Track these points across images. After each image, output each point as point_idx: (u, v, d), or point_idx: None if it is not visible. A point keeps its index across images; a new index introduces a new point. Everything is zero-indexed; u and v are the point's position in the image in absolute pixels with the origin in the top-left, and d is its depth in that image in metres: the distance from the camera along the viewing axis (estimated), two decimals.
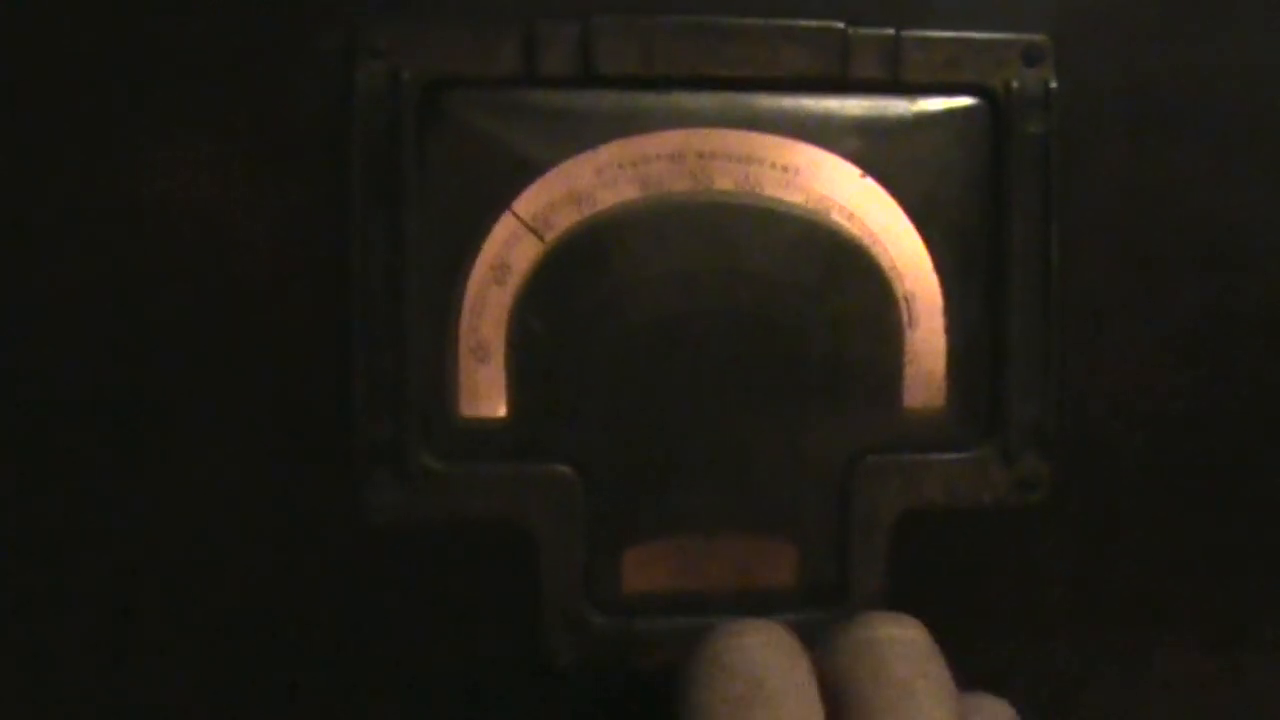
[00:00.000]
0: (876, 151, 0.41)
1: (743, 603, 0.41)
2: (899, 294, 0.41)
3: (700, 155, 0.40)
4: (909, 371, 0.41)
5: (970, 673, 0.35)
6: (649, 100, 0.40)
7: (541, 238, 0.40)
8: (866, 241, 0.41)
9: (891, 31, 0.40)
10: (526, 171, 0.40)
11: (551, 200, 0.40)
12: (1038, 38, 0.41)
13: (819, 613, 0.41)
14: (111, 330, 0.39)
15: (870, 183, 0.41)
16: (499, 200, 0.40)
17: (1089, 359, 0.42)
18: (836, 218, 0.41)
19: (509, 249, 0.40)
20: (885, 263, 0.41)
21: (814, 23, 0.40)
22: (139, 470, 0.40)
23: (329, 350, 0.40)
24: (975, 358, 0.42)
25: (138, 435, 0.40)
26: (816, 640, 0.35)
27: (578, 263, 0.40)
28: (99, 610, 0.40)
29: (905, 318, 0.41)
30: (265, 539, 0.40)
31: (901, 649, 0.34)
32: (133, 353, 0.39)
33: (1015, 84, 0.41)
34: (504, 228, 0.40)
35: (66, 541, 0.40)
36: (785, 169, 0.41)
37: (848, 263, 0.41)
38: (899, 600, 0.41)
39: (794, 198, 0.41)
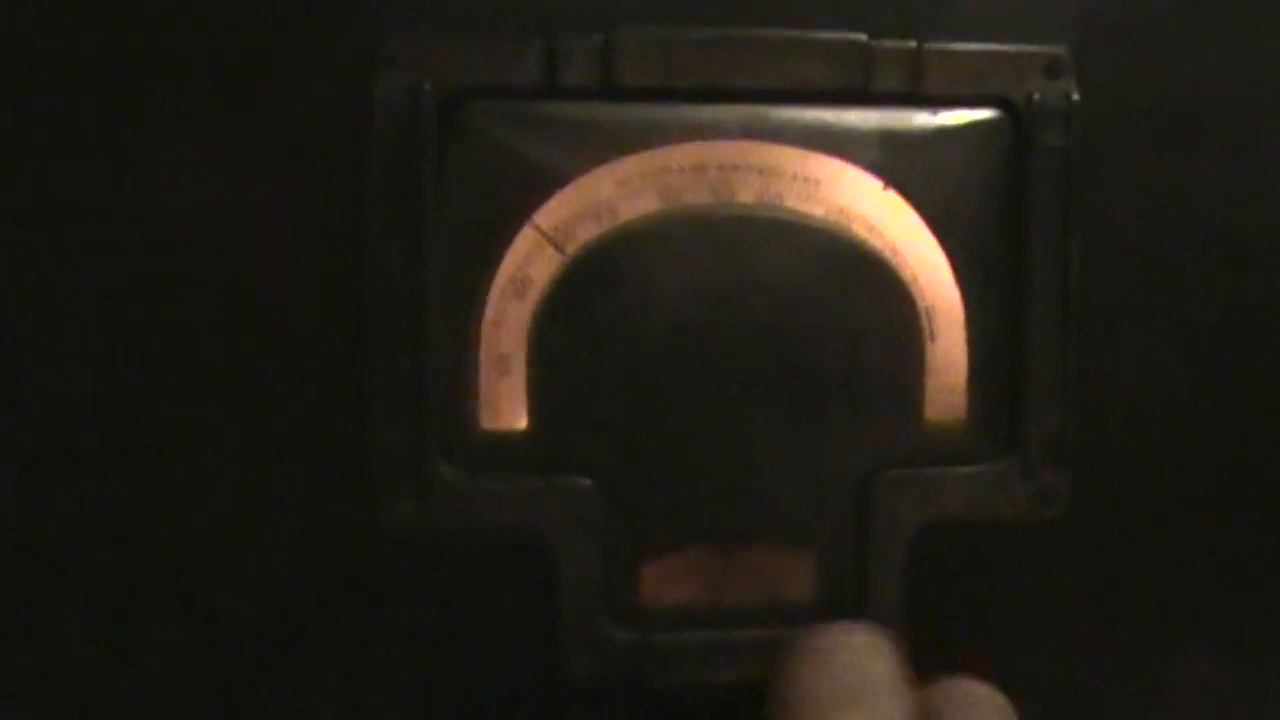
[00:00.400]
0: (898, 164, 0.41)
1: (762, 616, 0.41)
2: (920, 306, 0.41)
3: (721, 168, 0.40)
4: (930, 384, 0.41)
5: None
6: (670, 112, 0.40)
7: (562, 250, 0.40)
8: (887, 254, 0.41)
9: (914, 44, 0.40)
10: (547, 184, 0.40)
11: (572, 213, 0.40)
12: (1059, 50, 0.41)
13: None
14: (129, 337, 0.39)
15: (892, 195, 0.41)
16: (519, 213, 0.40)
17: (1109, 372, 0.42)
18: (858, 230, 0.41)
19: (529, 262, 0.40)
20: (906, 275, 0.41)
21: (836, 35, 0.40)
22: (153, 478, 0.40)
23: (348, 361, 0.39)
24: (995, 371, 0.41)
25: (152, 443, 0.40)
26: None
27: (598, 276, 0.40)
28: (113, 617, 0.40)
29: (926, 330, 0.41)
30: (282, 549, 0.40)
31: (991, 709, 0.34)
32: (148, 360, 0.39)
33: (1037, 96, 0.41)
34: (524, 240, 0.40)
35: (81, 549, 0.40)
36: (806, 181, 0.40)
37: (869, 275, 0.41)
38: (918, 614, 0.41)
39: (815, 210, 0.40)
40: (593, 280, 0.40)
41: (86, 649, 0.40)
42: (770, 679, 0.34)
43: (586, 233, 0.40)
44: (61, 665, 0.40)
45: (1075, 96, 0.41)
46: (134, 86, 0.39)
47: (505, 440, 0.40)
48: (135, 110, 0.39)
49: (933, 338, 0.41)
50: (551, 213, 0.40)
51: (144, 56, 0.39)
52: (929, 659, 0.36)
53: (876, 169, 0.40)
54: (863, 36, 0.40)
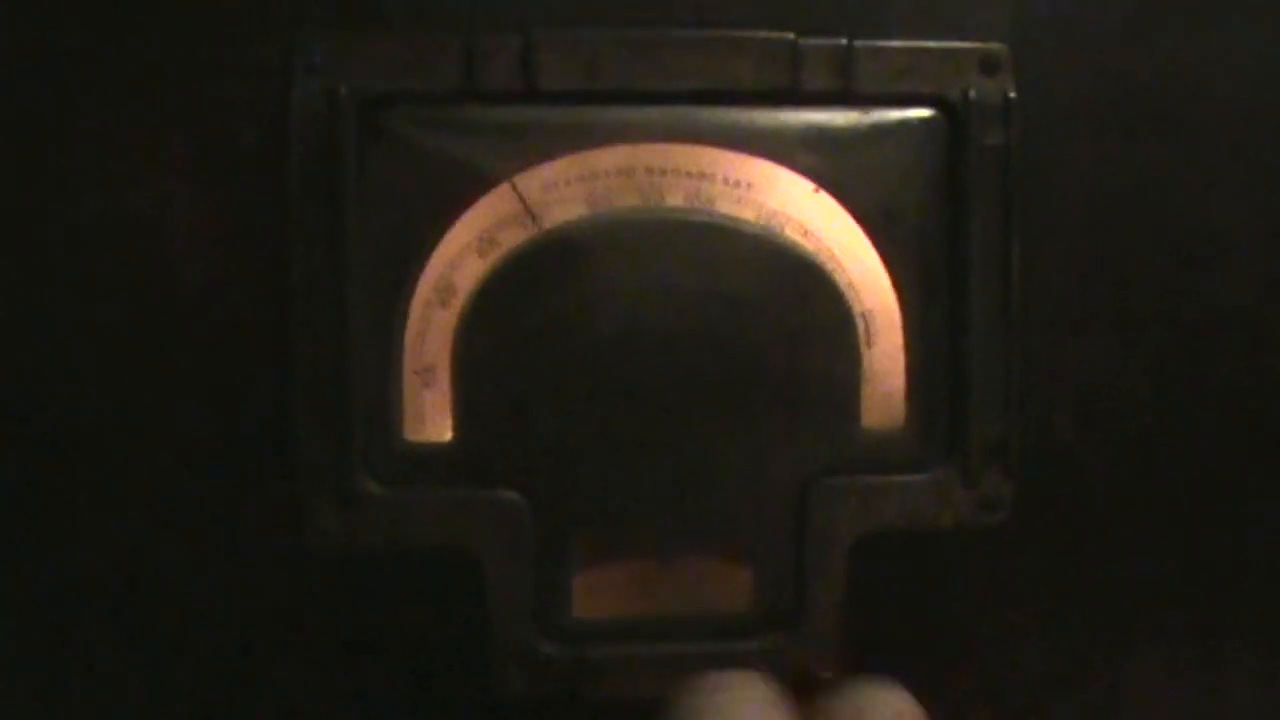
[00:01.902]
0: (830, 165, 0.40)
1: (697, 628, 0.40)
2: (856, 311, 0.40)
3: (649, 171, 0.39)
4: (867, 391, 0.40)
5: (933, 699, 0.34)
6: (595, 114, 0.39)
7: (486, 257, 0.39)
8: (822, 258, 0.40)
9: (843, 41, 0.39)
10: (469, 189, 0.39)
11: (496, 219, 0.39)
12: (995, 46, 0.40)
13: (775, 637, 0.40)
14: (44, 349, 0.39)
15: (824, 197, 0.40)
16: (441, 219, 0.39)
17: (1053, 374, 0.41)
18: (791, 234, 0.40)
19: (453, 269, 0.39)
20: (842, 280, 0.40)
21: (763, 34, 0.39)
22: (70, 491, 0.39)
23: (268, 372, 0.39)
24: (935, 375, 0.41)
25: (69, 455, 0.39)
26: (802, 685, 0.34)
27: (524, 282, 0.39)
28: (32, 634, 0.39)
29: (863, 336, 0.40)
30: (203, 564, 0.39)
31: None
32: (65, 373, 0.39)
33: (973, 94, 0.40)
34: (447, 247, 0.39)
35: (3, 568, 0.39)
36: (737, 184, 0.40)
37: (803, 280, 0.40)
38: (857, 625, 0.40)
39: (746, 214, 0.40)
40: (519, 287, 0.39)
41: (10, 662, 0.39)
42: None
43: (512, 239, 0.39)
44: None
45: (1012, 93, 0.40)
46: (47, 97, 0.38)
47: (430, 452, 0.39)
48: (50, 122, 0.38)
49: (870, 343, 0.40)
50: (475, 219, 0.39)
51: (56, 62, 0.38)
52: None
53: (808, 171, 0.40)
54: (790, 35, 0.39)
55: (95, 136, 0.38)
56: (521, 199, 0.38)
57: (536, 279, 0.39)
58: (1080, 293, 0.41)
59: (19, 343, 0.39)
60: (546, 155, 0.39)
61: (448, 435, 0.39)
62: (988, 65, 0.40)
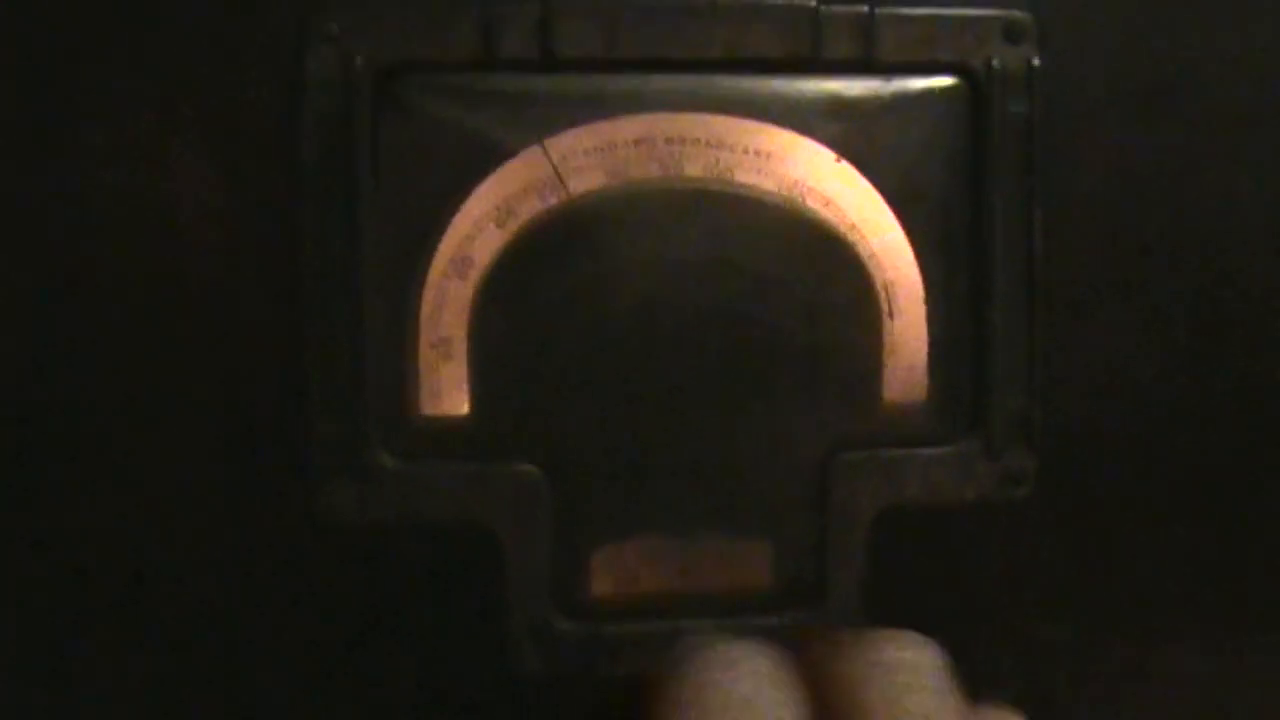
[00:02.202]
0: (852, 135, 0.39)
1: (717, 605, 0.40)
2: (878, 283, 0.40)
3: (668, 140, 0.39)
4: (889, 363, 0.40)
5: (955, 674, 0.34)
6: (613, 84, 0.39)
7: (504, 228, 0.38)
8: (843, 229, 0.39)
9: (865, 9, 0.39)
10: (487, 160, 0.38)
11: (513, 190, 0.38)
12: (1019, 13, 0.40)
13: (796, 613, 0.40)
14: (57, 327, 0.38)
15: (846, 167, 0.39)
16: (458, 190, 0.38)
17: (1075, 348, 0.41)
18: (812, 204, 0.39)
19: (470, 241, 0.38)
20: (863, 251, 0.39)
21: (783, 1, 0.39)
22: (83, 469, 0.38)
23: (282, 346, 0.38)
24: (957, 348, 0.40)
25: (82, 433, 0.38)
26: (812, 647, 0.33)
27: (542, 254, 0.39)
28: (44, 613, 0.39)
29: (885, 308, 0.40)
30: (218, 542, 0.39)
31: (916, 677, 0.32)
32: (78, 350, 0.38)
33: (996, 62, 0.39)
34: (464, 219, 0.38)
35: (8, 544, 0.39)
36: (757, 154, 0.39)
37: (824, 251, 0.39)
38: (879, 600, 0.40)
39: (767, 184, 0.39)
40: (536, 259, 0.39)
41: (17, 647, 0.39)
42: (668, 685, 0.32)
43: (529, 210, 0.39)
44: None
45: (1037, 61, 0.40)
46: (52, 64, 0.38)
47: (447, 426, 0.39)
48: (61, 96, 0.38)
49: (892, 315, 0.40)
50: (492, 189, 0.38)
51: (63, 32, 0.38)
52: None
53: (829, 140, 0.39)
54: (811, 2, 0.39)
55: (104, 109, 0.38)
56: (551, 161, 0.38)
57: (555, 251, 0.39)
58: (1103, 265, 0.41)
59: (25, 323, 0.38)
60: (564, 124, 0.38)
61: (464, 409, 0.39)
62: (1011, 33, 0.40)
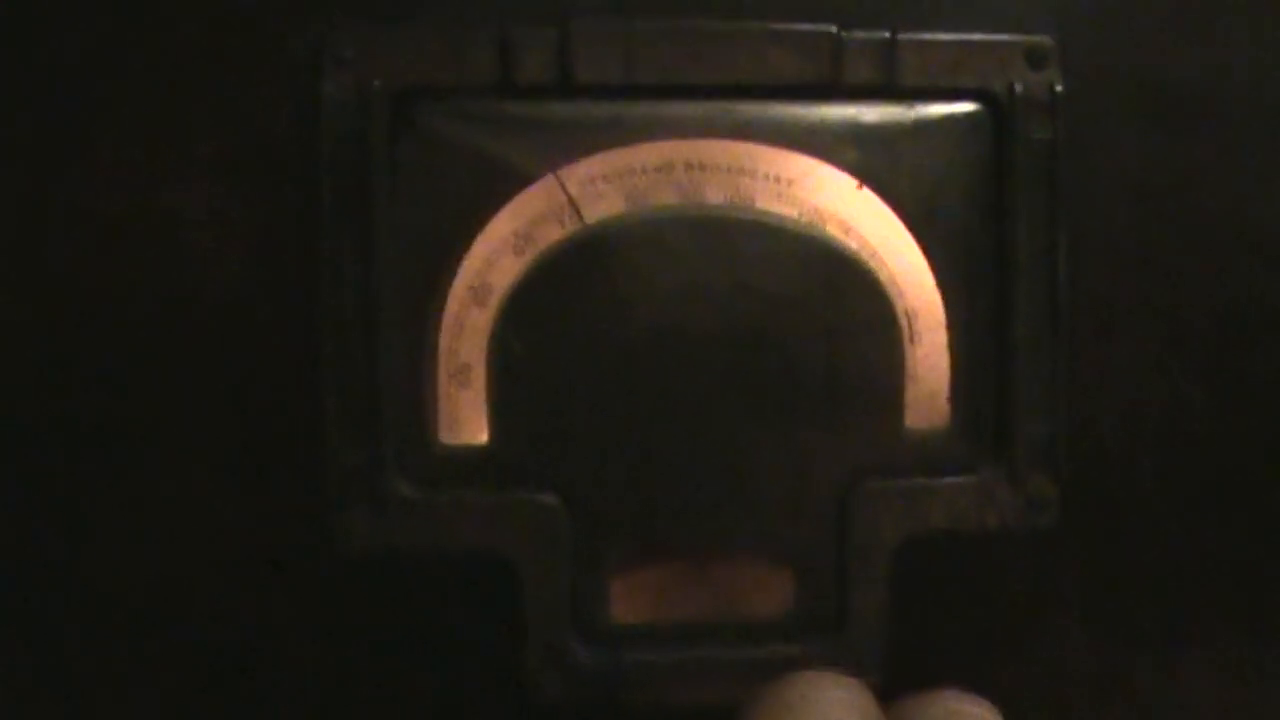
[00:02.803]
0: (873, 161, 0.39)
1: (737, 633, 0.40)
2: (899, 309, 0.39)
3: (688, 167, 0.39)
4: (910, 390, 0.40)
5: None
6: (632, 109, 0.38)
7: (522, 255, 0.38)
8: (864, 255, 0.39)
9: (887, 34, 0.39)
10: (505, 186, 0.38)
11: (531, 216, 0.38)
12: (1042, 38, 0.39)
13: (817, 643, 0.39)
14: (75, 350, 0.38)
15: (867, 193, 0.39)
16: (476, 216, 0.38)
17: (1099, 374, 0.41)
18: (833, 230, 0.39)
19: (489, 267, 0.38)
20: (884, 277, 0.39)
21: (805, 26, 0.38)
22: (100, 494, 0.38)
23: (300, 372, 0.38)
24: (980, 375, 0.40)
25: (98, 458, 0.38)
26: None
27: (561, 281, 0.38)
28: (60, 641, 0.39)
29: (906, 334, 0.39)
30: (235, 571, 0.39)
31: None
32: (93, 374, 0.38)
33: (1019, 87, 0.39)
34: (483, 245, 0.38)
35: (25, 570, 0.38)
36: (778, 180, 0.39)
37: (845, 278, 0.39)
38: (901, 629, 0.40)
39: (787, 210, 0.39)
40: (556, 286, 0.38)
41: (32, 674, 0.39)
42: None
43: (548, 236, 0.38)
44: (7, 692, 0.39)
45: (1060, 87, 0.39)
46: (71, 87, 0.38)
47: (466, 454, 0.39)
48: (77, 119, 0.38)
49: (913, 341, 0.39)
50: (510, 216, 0.38)
51: (82, 56, 0.38)
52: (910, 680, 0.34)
53: (850, 167, 0.39)
54: (832, 27, 0.38)
55: (122, 133, 0.38)
56: (565, 191, 0.37)
57: (574, 277, 0.38)
58: (1128, 291, 0.41)
59: (42, 345, 0.38)
60: (583, 151, 0.38)
61: (483, 437, 0.39)
62: (1034, 58, 0.39)
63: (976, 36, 0.39)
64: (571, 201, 0.38)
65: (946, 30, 0.39)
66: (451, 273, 0.38)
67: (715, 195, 0.39)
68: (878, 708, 0.32)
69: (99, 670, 0.39)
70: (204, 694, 0.39)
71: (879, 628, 0.40)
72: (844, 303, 0.39)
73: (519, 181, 0.38)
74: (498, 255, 0.38)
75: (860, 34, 0.39)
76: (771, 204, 0.39)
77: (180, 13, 0.38)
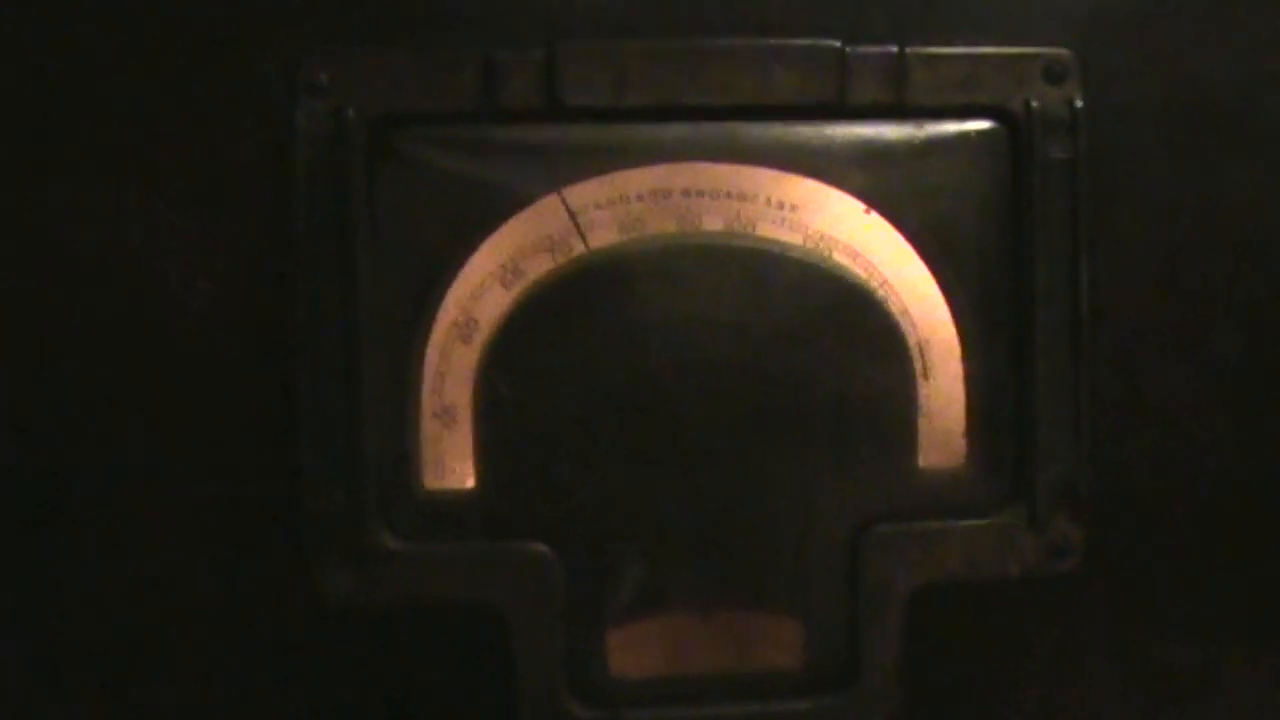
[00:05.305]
0: (882, 184, 0.38)
1: (743, 687, 0.39)
2: (911, 341, 0.38)
3: (686, 192, 0.38)
4: (924, 427, 0.39)
5: None
6: (625, 133, 0.38)
7: (510, 288, 0.37)
8: (874, 284, 0.38)
9: (894, 49, 0.38)
10: (491, 215, 0.37)
11: (520, 247, 0.37)
12: (1061, 52, 0.38)
13: (827, 698, 0.39)
14: (36, 396, 0.37)
15: (876, 218, 0.38)
16: (460, 247, 0.37)
17: (1125, 409, 0.39)
18: (839, 258, 0.38)
19: (475, 302, 0.37)
20: (895, 307, 0.38)
21: (807, 41, 0.38)
22: (71, 549, 0.37)
23: (274, 417, 0.37)
24: (998, 411, 0.39)
25: (69, 510, 0.37)
26: None
27: (552, 316, 0.37)
28: (33, 697, 0.38)
29: (919, 368, 0.38)
30: (211, 624, 0.38)
31: None
32: (63, 420, 0.37)
33: (1036, 104, 0.38)
34: (468, 279, 0.37)
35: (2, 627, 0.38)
36: (781, 205, 0.38)
37: (853, 308, 0.38)
38: (917, 682, 0.39)
39: (791, 237, 0.38)
40: (546, 321, 0.37)
41: None
42: None
43: (538, 268, 0.37)
44: None
45: (1080, 103, 0.38)
46: (39, 118, 0.37)
47: (452, 501, 0.38)
48: (45, 147, 0.37)
49: (926, 376, 0.38)
50: (497, 247, 0.37)
51: (50, 85, 0.37)
52: None
53: (858, 190, 0.38)
54: (836, 42, 0.38)
55: (90, 162, 0.37)
56: (570, 212, 0.37)
57: (565, 311, 0.37)
58: (1155, 321, 0.39)
59: (9, 389, 0.37)
60: (574, 177, 0.37)
61: (470, 482, 0.38)
62: (1052, 73, 0.38)
63: (990, 50, 0.38)
64: (577, 226, 0.37)
65: (958, 43, 0.38)
66: (435, 307, 0.37)
67: (714, 222, 0.38)
68: None
69: None
70: None
71: (893, 681, 0.39)
72: (852, 335, 0.38)
73: (506, 210, 0.37)
74: (484, 288, 0.37)
75: (866, 48, 0.38)
76: (775, 230, 0.38)
77: (150, 39, 0.37)
